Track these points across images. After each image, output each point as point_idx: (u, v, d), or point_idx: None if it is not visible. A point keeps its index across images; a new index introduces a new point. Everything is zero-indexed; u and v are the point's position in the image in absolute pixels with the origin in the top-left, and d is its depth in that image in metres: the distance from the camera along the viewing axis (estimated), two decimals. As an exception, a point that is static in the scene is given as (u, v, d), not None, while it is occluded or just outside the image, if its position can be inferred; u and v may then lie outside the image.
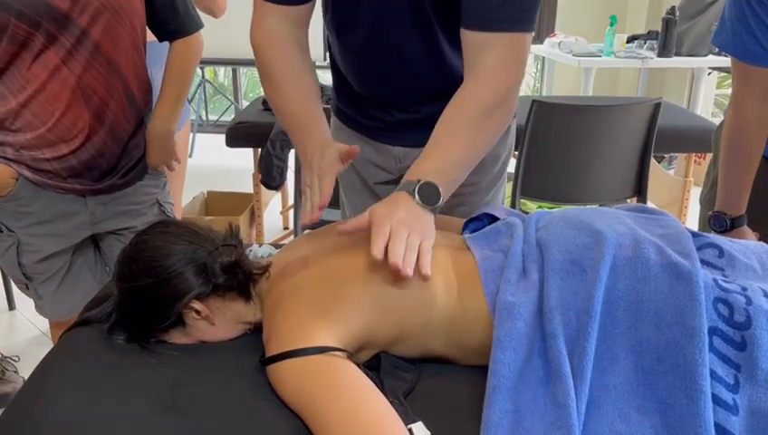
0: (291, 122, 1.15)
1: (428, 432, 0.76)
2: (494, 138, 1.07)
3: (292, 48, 1.16)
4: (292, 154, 2.63)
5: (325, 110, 1.19)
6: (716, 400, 0.75)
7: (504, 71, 1.03)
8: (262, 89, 1.22)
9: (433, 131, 1.03)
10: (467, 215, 1.15)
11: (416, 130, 1.21)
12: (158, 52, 1.57)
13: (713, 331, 0.79)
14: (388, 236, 0.88)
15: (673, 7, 3.64)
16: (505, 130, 1.25)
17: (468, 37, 1.04)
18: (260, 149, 2.72)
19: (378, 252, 0.86)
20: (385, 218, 0.90)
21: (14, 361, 2.10)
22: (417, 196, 0.94)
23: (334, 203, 1.36)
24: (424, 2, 1.07)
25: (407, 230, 0.90)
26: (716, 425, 0.73)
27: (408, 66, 1.16)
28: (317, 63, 4.10)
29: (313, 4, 1.18)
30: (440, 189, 0.96)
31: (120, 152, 1.44)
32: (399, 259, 0.85)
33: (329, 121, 1.40)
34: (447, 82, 1.13)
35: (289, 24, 1.16)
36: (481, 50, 1.03)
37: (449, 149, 1.01)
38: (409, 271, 0.86)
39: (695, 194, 2.25)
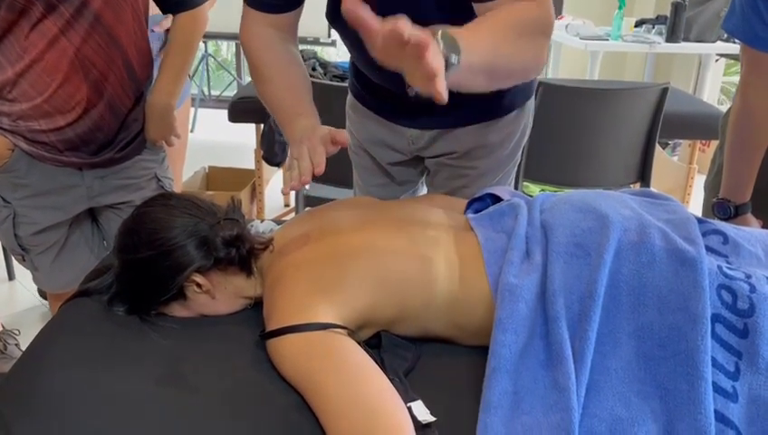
0: (280, 112, 1.15)
1: (428, 411, 0.76)
2: (520, 60, 0.94)
3: (279, 46, 1.17)
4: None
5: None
6: (715, 387, 0.75)
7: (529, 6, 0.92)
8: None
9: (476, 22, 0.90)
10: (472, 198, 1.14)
11: (429, 115, 1.20)
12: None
13: (716, 317, 0.78)
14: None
15: (682, -8, 3.60)
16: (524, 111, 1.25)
17: (479, 11, 0.96)
18: (262, 125, 2.70)
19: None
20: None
21: (15, 334, 2.07)
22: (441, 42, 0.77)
23: (346, 183, 1.36)
24: None
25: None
26: (716, 412, 0.73)
27: None
28: (320, 40, 4.08)
29: (299, 12, 1.19)
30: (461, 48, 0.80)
31: (119, 126, 1.42)
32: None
33: (345, 99, 1.39)
34: None
35: (274, 29, 1.17)
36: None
37: (483, 41, 0.85)
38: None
39: (698, 181, 2.24)
